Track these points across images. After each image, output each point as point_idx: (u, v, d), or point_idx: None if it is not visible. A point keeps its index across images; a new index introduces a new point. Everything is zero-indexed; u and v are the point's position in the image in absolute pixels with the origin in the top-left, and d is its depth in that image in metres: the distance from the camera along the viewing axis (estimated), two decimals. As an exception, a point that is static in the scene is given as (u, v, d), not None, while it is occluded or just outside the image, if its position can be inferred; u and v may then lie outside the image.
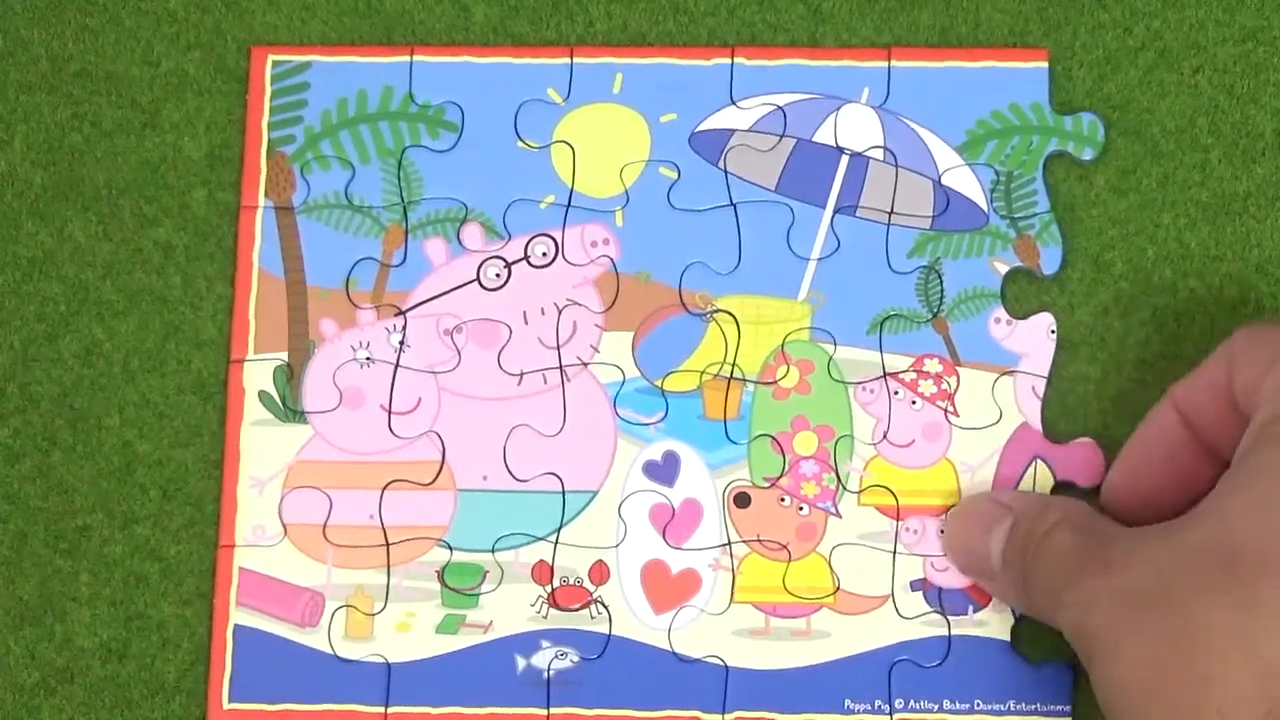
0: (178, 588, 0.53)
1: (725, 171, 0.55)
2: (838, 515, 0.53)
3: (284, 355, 0.54)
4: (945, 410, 0.53)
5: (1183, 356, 0.53)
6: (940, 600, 0.52)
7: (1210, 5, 0.55)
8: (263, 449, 0.53)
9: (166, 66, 0.56)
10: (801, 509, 0.53)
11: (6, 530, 0.54)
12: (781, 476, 0.53)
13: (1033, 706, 0.52)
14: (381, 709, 0.52)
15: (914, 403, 0.53)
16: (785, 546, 0.53)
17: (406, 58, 0.55)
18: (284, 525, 0.53)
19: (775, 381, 0.54)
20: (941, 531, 0.52)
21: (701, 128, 0.55)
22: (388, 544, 0.53)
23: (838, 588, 0.53)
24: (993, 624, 0.52)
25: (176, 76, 0.56)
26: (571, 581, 0.53)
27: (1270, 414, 0.43)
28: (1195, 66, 0.55)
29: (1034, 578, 0.47)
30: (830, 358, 0.54)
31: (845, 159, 0.55)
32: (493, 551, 0.53)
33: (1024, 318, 0.54)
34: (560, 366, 0.54)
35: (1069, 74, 0.55)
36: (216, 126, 0.55)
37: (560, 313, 0.54)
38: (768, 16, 0.56)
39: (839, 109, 0.55)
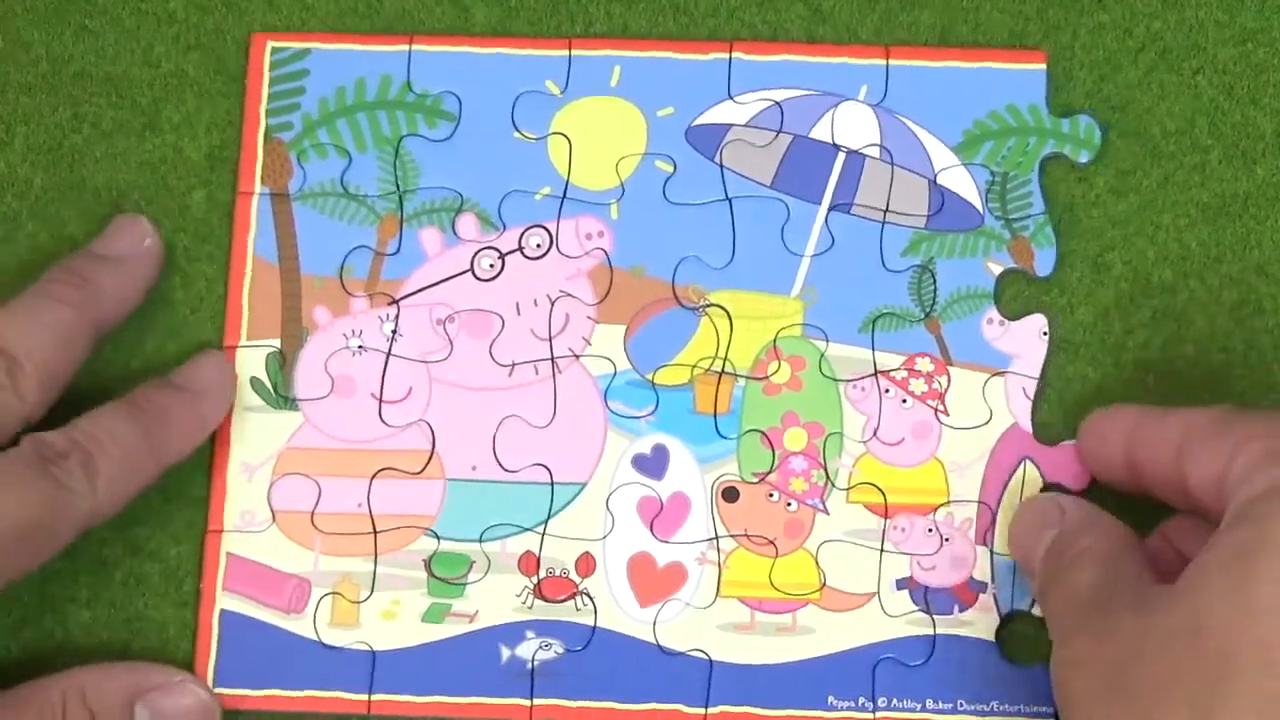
0: (178, 589, 0.53)
1: (721, 166, 0.55)
2: (825, 512, 0.53)
3: (276, 342, 0.54)
4: (935, 409, 0.53)
5: (1183, 357, 0.53)
6: (926, 599, 0.52)
7: (1210, 6, 0.55)
8: (253, 435, 0.53)
9: (166, 67, 0.56)
10: (789, 505, 0.53)
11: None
12: (770, 472, 0.53)
13: (1016, 708, 0.52)
14: (365, 696, 0.52)
15: (904, 401, 0.53)
16: (772, 542, 0.53)
17: (405, 47, 0.55)
18: (273, 511, 0.53)
19: (766, 377, 0.54)
20: (932, 532, 0.52)
21: (698, 122, 0.55)
22: (375, 532, 0.53)
23: (824, 584, 0.53)
24: (978, 624, 0.52)
25: (176, 77, 0.56)
26: (558, 573, 0.53)
27: (1247, 495, 0.43)
28: (1195, 67, 0.55)
29: (1049, 605, 0.47)
30: (822, 354, 0.54)
31: (841, 156, 0.55)
32: (480, 541, 0.53)
33: (1016, 319, 0.54)
34: (552, 358, 0.54)
35: (1069, 75, 0.55)
36: (216, 127, 0.55)
37: (553, 304, 0.54)
38: (768, 16, 0.55)
39: (836, 106, 0.55)
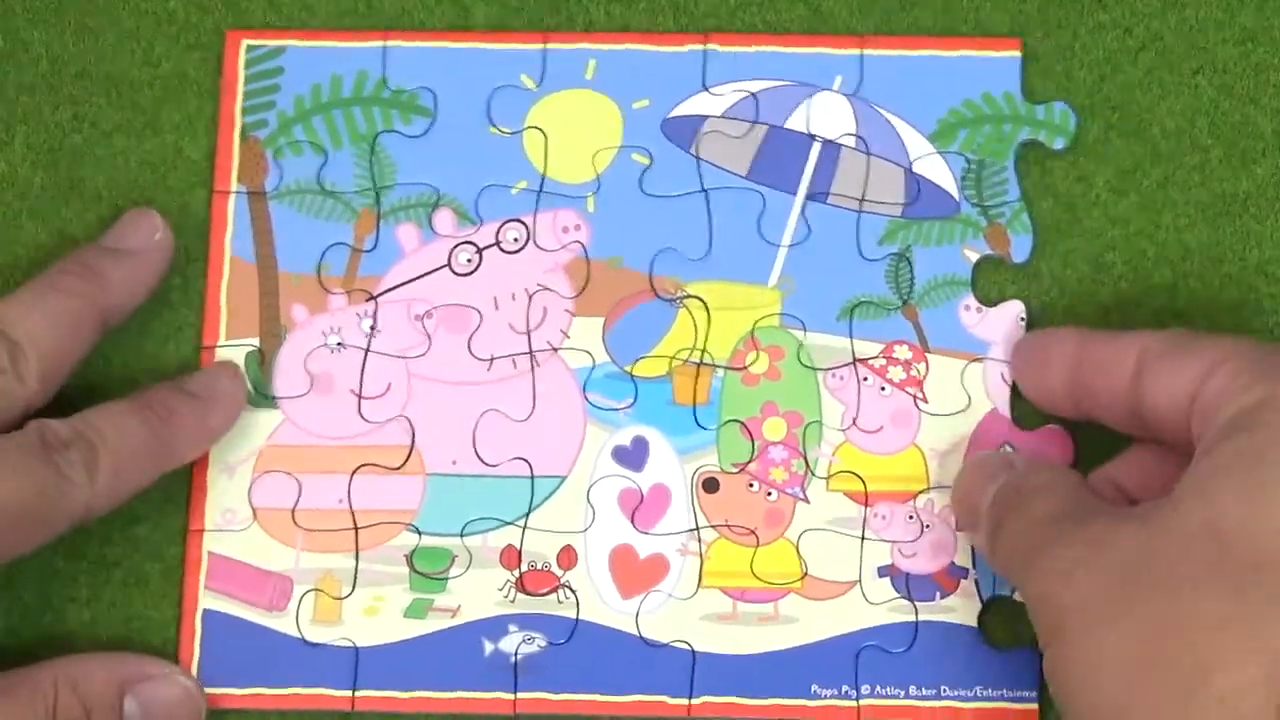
0: (178, 588, 0.53)
1: (697, 158, 0.55)
2: (806, 501, 0.53)
3: (255, 341, 0.54)
4: (914, 397, 0.53)
5: None
6: (908, 586, 0.53)
7: (1210, 6, 0.55)
8: (233, 434, 0.53)
9: (166, 67, 0.56)
10: (770, 494, 0.53)
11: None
12: (750, 462, 0.53)
13: (999, 693, 0.52)
14: (349, 693, 0.52)
15: (883, 389, 0.54)
16: (753, 532, 0.53)
17: (380, 43, 0.55)
18: (253, 509, 0.53)
19: (745, 367, 0.54)
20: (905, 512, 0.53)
21: (674, 114, 0.55)
22: (356, 528, 0.53)
23: (805, 573, 0.53)
24: (960, 610, 0.52)
25: (176, 77, 0.56)
26: (539, 566, 0.53)
27: (1238, 408, 0.43)
28: (1195, 67, 0.55)
29: (1006, 535, 0.47)
30: (800, 344, 0.54)
31: (817, 146, 0.55)
32: (461, 536, 0.53)
33: (994, 305, 0.54)
34: (530, 352, 0.54)
35: (1069, 74, 0.55)
36: (217, 127, 0.55)
37: (531, 298, 0.54)
38: (768, 16, 0.56)
39: (811, 96, 0.55)
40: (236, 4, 0.56)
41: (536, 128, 0.55)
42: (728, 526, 0.53)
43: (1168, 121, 0.55)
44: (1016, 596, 0.52)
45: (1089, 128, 0.55)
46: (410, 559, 0.53)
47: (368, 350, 0.54)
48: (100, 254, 0.52)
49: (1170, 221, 0.54)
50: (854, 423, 0.53)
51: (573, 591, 0.53)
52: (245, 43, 0.55)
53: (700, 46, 0.55)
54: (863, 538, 0.53)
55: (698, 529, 0.53)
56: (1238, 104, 0.55)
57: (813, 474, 0.53)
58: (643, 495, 0.53)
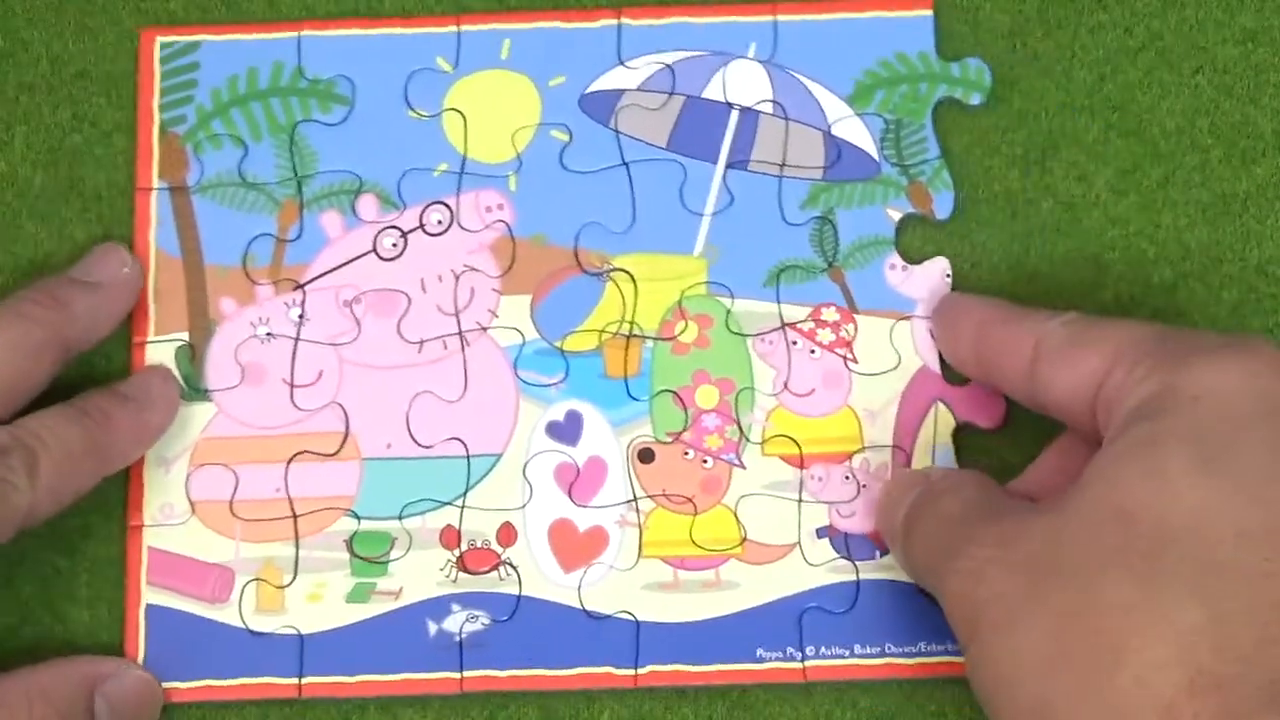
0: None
1: (616, 131, 0.55)
2: (742, 467, 0.53)
3: (185, 335, 0.54)
4: (844, 358, 0.54)
5: None
6: (847, 546, 0.53)
7: (1210, 6, 0.55)
8: (168, 428, 0.53)
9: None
10: (705, 462, 0.53)
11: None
12: (684, 431, 0.53)
13: (943, 647, 0.52)
14: (295, 680, 0.52)
15: (813, 351, 0.54)
16: (691, 500, 0.53)
17: (295, 33, 0.55)
18: (191, 503, 0.53)
19: (674, 337, 0.54)
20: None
21: (591, 89, 0.55)
22: (295, 516, 0.53)
23: (744, 538, 0.53)
24: (900, 568, 0.53)
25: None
26: (479, 544, 0.53)
27: (1138, 400, 0.44)
28: (1195, 67, 0.55)
29: (918, 538, 0.48)
30: (728, 311, 0.54)
31: (735, 114, 0.55)
32: (400, 519, 0.53)
33: (918, 263, 0.54)
34: (460, 332, 0.54)
35: (1068, 74, 0.55)
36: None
37: (458, 279, 0.54)
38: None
39: (727, 65, 0.55)
40: (237, 5, 0.56)
41: (455, 109, 0.55)
42: (665, 496, 0.53)
43: (1168, 121, 0.55)
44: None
45: (1089, 127, 0.55)
46: (350, 544, 0.53)
47: (297, 339, 0.54)
48: (67, 285, 0.52)
49: (1170, 221, 0.55)
50: (785, 386, 0.54)
51: (514, 568, 0.53)
52: (159, 39, 0.56)
53: (614, 21, 0.55)
54: (800, 500, 0.53)
55: (635, 500, 0.53)
56: (1238, 104, 0.55)
57: (747, 439, 0.53)
58: (579, 469, 0.53)
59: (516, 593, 0.53)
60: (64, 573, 0.53)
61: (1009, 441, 0.54)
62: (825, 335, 0.54)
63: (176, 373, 0.54)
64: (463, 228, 0.54)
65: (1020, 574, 0.42)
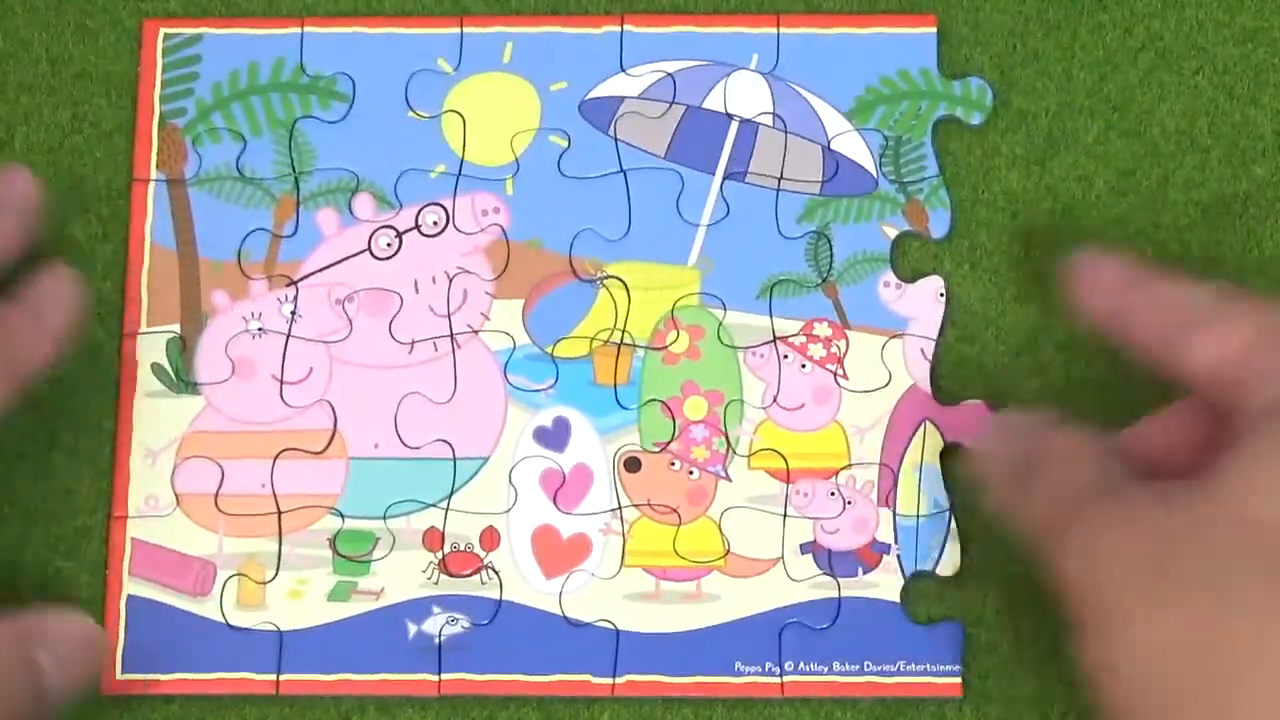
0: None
1: (615, 139, 0.55)
2: (728, 479, 0.53)
3: (176, 327, 0.54)
4: (835, 374, 0.54)
5: None
6: (830, 563, 0.53)
7: (1210, 6, 0.55)
8: (155, 420, 0.53)
9: (172, 67, 0.56)
10: (691, 473, 0.53)
11: (6, 530, 0.54)
12: (672, 441, 0.53)
13: (923, 667, 0.52)
14: (274, 676, 0.52)
15: (803, 366, 0.54)
16: (675, 510, 0.53)
17: (297, 29, 0.55)
18: (176, 495, 0.53)
19: (665, 347, 0.54)
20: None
21: (591, 95, 0.55)
22: (279, 512, 0.53)
23: (728, 551, 0.53)
24: (882, 585, 0.53)
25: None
26: (462, 547, 0.53)
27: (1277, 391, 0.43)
28: (1195, 67, 0.55)
29: (1028, 503, 0.46)
30: (720, 322, 0.54)
31: (734, 125, 0.55)
32: (384, 519, 0.53)
33: (913, 281, 0.54)
34: (451, 334, 0.54)
35: (1069, 75, 0.55)
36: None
37: (451, 281, 0.54)
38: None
39: (728, 76, 0.55)
40: (237, 4, 0.56)
41: (455, 111, 0.55)
42: (650, 506, 0.53)
43: (1168, 121, 0.55)
44: (939, 571, 0.53)
45: (1089, 127, 0.55)
46: (333, 542, 0.53)
47: (289, 335, 0.54)
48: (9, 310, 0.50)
49: (1170, 221, 0.54)
50: (775, 400, 0.54)
51: (496, 572, 0.53)
52: (162, 31, 0.56)
53: (617, 28, 0.55)
54: (785, 515, 0.53)
55: (620, 508, 0.53)
56: (1238, 104, 0.55)
57: (734, 452, 0.53)
58: (565, 475, 0.53)
59: (497, 597, 0.53)
60: (64, 573, 0.53)
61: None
62: (816, 350, 0.54)
63: (167, 364, 0.54)
64: (458, 230, 0.54)
65: (1146, 568, 0.41)
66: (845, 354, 0.54)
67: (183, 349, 0.54)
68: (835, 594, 0.52)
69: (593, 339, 0.54)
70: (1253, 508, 0.41)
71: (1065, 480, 0.45)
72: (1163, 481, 0.44)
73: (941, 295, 0.54)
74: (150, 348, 0.54)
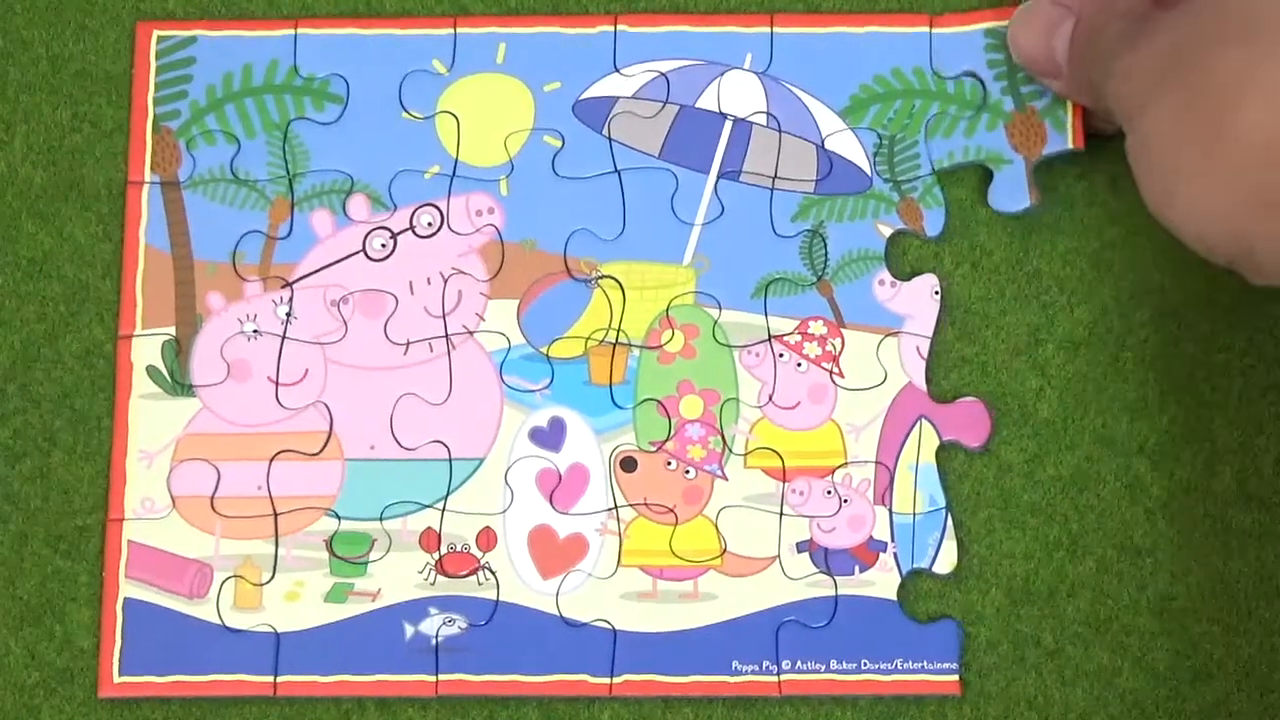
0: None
1: (609, 139, 0.55)
2: (724, 478, 0.53)
3: (171, 330, 0.54)
4: (830, 372, 0.54)
5: (1182, 356, 0.54)
6: (826, 561, 0.53)
7: None
8: (151, 423, 0.54)
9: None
10: (688, 472, 0.53)
11: (6, 530, 0.54)
12: (667, 440, 0.53)
13: (920, 664, 0.52)
14: (270, 678, 0.52)
15: (799, 365, 0.54)
16: (672, 510, 0.53)
17: (291, 31, 0.55)
18: (172, 498, 0.53)
19: (660, 346, 0.54)
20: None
21: (585, 95, 0.55)
22: (275, 514, 0.53)
23: (724, 550, 0.53)
24: (879, 584, 0.53)
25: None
26: (459, 548, 0.53)
27: None
28: None
29: (1093, 67, 0.49)
30: (715, 321, 0.54)
31: (729, 124, 0.55)
32: (380, 520, 0.53)
33: (907, 279, 0.54)
34: (446, 335, 0.54)
35: None
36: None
37: (446, 282, 0.54)
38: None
39: (722, 75, 0.55)
40: (236, 4, 0.56)
41: (448, 112, 0.55)
42: (646, 505, 0.53)
43: None
44: (935, 570, 0.53)
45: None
46: (330, 544, 0.53)
47: (284, 337, 0.54)
48: None
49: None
50: (770, 399, 0.54)
51: (492, 573, 0.53)
52: (156, 33, 0.56)
53: (610, 27, 0.55)
54: (781, 513, 0.53)
55: (616, 508, 0.53)
56: None
57: (730, 451, 0.53)
58: (561, 475, 0.53)
59: (494, 598, 0.53)
60: (64, 573, 0.53)
61: (994, 461, 0.53)
62: (812, 349, 0.54)
63: (162, 367, 0.54)
64: (452, 230, 0.54)
65: (1152, 68, 0.46)
66: (841, 352, 0.54)
67: (178, 351, 0.54)
68: (832, 592, 0.53)
69: (588, 339, 0.54)
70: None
71: (1106, 43, 0.49)
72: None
73: (936, 293, 0.54)
74: (145, 350, 0.54)
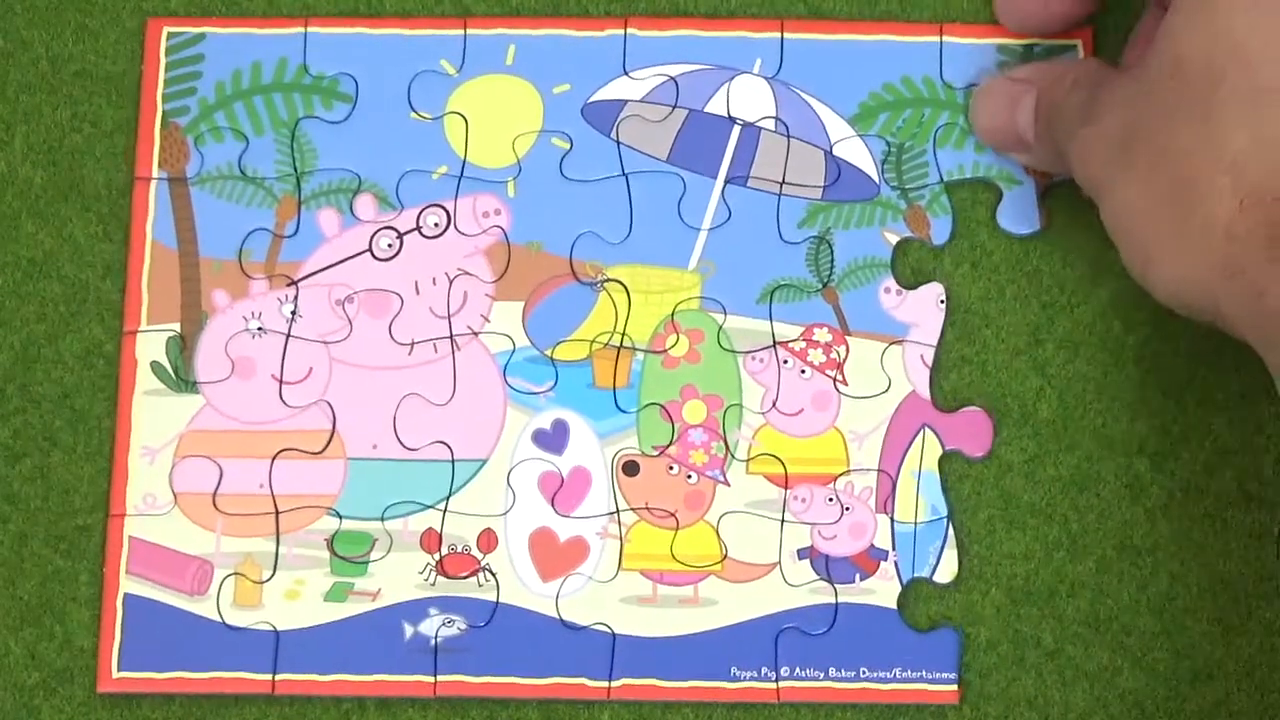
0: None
1: (617, 142, 0.55)
2: (726, 484, 0.53)
3: (176, 326, 0.54)
4: (834, 379, 0.54)
5: (1182, 356, 0.54)
6: (827, 568, 0.53)
7: None
8: (154, 418, 0.54)
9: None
10: (690, 477, 0.53)
11: (6, 530, 0.54)
12: (670, 445, 0.53)
13: (919, 674, 0.52)
14: (269, 676, 0.52)
15: (803, 372, 0.54)
16: (673, 514, 0.53)
17: (301, 29, 0.55)
18: (174, 494, 0.53)
19: (665, 350, 0.54)
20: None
21: (594, 98, 0.55)
22: (277, 512, 0.53)
23: (725, 556, 0.53)
24: (879, 592, 0.53)
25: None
26: (460, 549, 0.53)
27: None
28: None
29: (1055, 140, 0.50)
30: (720, 327, 0.54)
31: (737, 129, 0.55)
32: (382, 520, 0.53)
33: (913, 288, 0.54)
34: (451, 336, 0.54)
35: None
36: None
37: (451, 282, 0.54)
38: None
39: (731, 80, 0.55)
40: (237, 4, 0.56)
41: (457, 113, 0.55)
42: (648, 509, 0.53)
43: None
44: (935, 579, 0.53)
45: None
46: (331, 543, 0.53)
47: (289, 335, 0.54)
48: None
49: None
50: (774, 405, 0.54)
51: (493, 574, 0.53)
52: (166, 29, 0.56)
53: (620, 31, 0.55)
54: (782, 520, 0.53)
55: (618, 512, 0.53)
56: None
57: (733, 457, 0.53)
58: (563, 478, 0.53)
59: (494, 599, 0.53)
60: (64, 572, 0.53)
61: (994, 461, 0.53)
62: (816, 356, 0.54)
63: (167, 363, 0.54)
64: (459, 231, 0.54)
65: (1114, 142, 0.47)
66: (845, 360, 0.54)
67: (182, 348, 0.54)
68: (832, 600, 0.52)
69: (592, 342, 0.54)
70: (1173, 53, 0.45)
71: (1059, 103, 0.50)
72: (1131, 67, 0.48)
73: (942, 302, 0.54)
74: (150, 346, 0.54)
